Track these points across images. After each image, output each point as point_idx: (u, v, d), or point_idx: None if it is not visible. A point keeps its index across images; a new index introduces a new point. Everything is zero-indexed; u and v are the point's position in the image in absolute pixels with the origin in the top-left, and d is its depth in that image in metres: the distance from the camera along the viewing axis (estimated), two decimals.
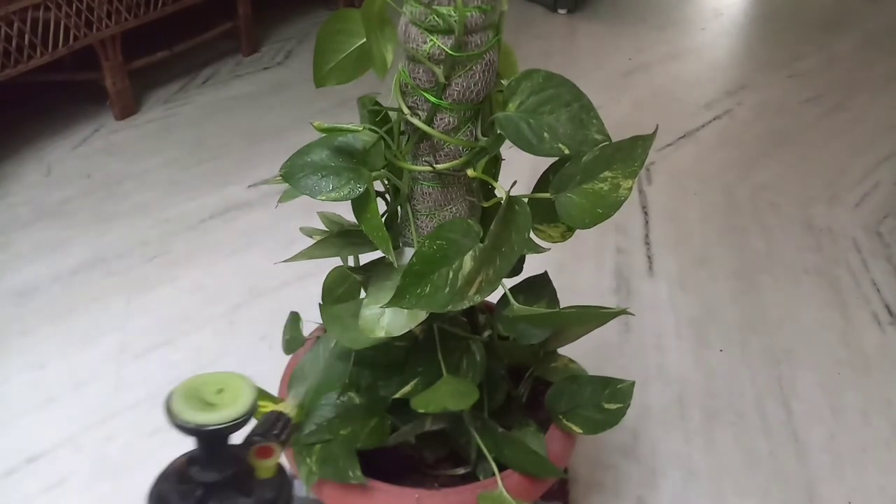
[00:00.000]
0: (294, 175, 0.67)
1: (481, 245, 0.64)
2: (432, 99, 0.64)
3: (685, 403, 1.21)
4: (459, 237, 0.64)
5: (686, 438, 1.15)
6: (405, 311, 0.68)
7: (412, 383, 0.74)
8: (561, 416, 0.82)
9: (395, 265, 0.69)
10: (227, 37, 2.19)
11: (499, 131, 0.67)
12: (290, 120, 1.92)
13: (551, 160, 0.70)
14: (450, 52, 0.61)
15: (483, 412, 0.81)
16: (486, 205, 0.73)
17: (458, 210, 0.72)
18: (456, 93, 0.64)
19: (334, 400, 0.79)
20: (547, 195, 0.67)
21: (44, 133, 1.87)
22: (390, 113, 0.71)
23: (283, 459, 0.40)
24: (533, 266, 0.84)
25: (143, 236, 1.53)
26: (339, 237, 0.78)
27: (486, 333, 0.83)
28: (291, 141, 0.77)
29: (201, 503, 0.36)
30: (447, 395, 0.71)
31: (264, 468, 0.38)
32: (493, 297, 0.76)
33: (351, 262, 0.82)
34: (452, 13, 0.60)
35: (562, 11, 2.57)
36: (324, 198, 0.66)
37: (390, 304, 0.62)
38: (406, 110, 0.66)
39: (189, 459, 0.38)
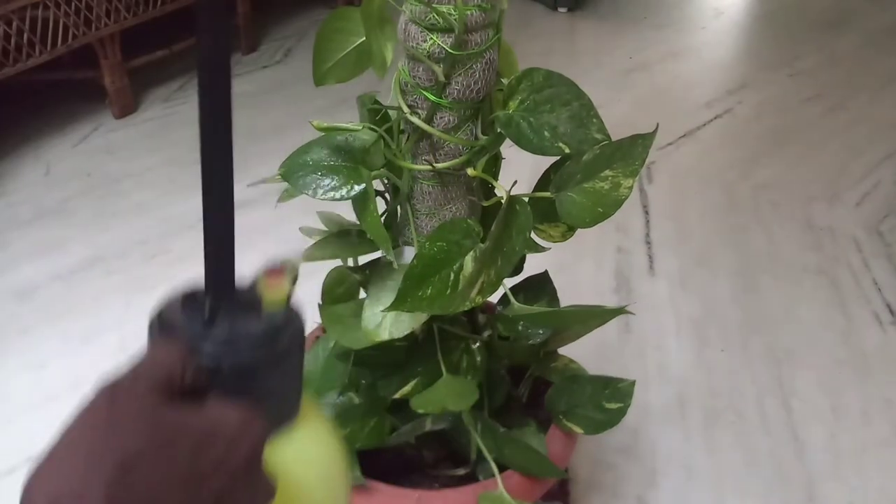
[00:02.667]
0: (293, 174, 0.66)
1: (482, 245, 0.63)
2: (432, 97, 0.64)
3: (685, 403, 1.20)
4: (460, 238, 0.64)
5: (686, 438, 1.15)
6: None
7: (412, 383, 0.74)
8: (561, 416, 0.81)
9: (395, 265, 0.68)
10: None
11: (499, 130, 0.67)
12: (290, 118, 1.92)
13: (552, 159, 0.69)
14: (450, 50, 0.61)
15: (483, 412, 0.81)
16: (486, 204, 0.72)
17: (458, 209, 0.72)
18: (456, 91, 0.64)
19: (334, 400, 0.78)
20: (547, 194, 0.67)
21: (43, 132, 1.86)
22: (390, 111, 0.71)
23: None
24: (533, 265, 0.83)
25: (142, 235, 1.53)
26: (338, 237, 0.78)
27: (487, 333, 0.83)
28: (291, 140, 0.77)
29: (207, 325, 0.34)
30: (447, 396, 0.71)
31: (273, 300, 0.35)
32: (494, 297, 0.76)
33: (350, 262, 0.81)
34: (452, 12, 0.59)
35: (562, 10, 2.57)
36: (323, 197, 0.65)
37: (391, 308, 0.62)
38: (406, 109, 0.66)
39: (190, 291, 0.36)
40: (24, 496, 0.29)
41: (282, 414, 0.37)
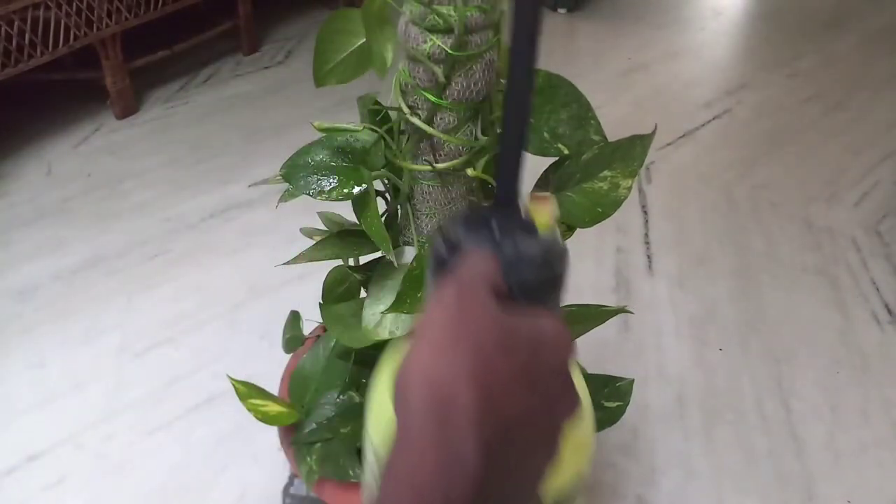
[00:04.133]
0: (294, 175, 0.67)
1: None
2: (432, 98, 0.64)
3: (685, 402, 1.21)
4: None
5: (685, 437, 1.16)
6: None
7: None
8: None
9: (395, 265, 0.69)
10: (227, 36, 2.19)
11: (499, 130, 0.67)
12: (291, 119, 1.93)
13: (551, 159, 0.70)
14: (450, 51, 0.61)
15: None
16: (486, 204, 0.73)
17: (458, 209, 0.72)
18: (456, 92, 0.64)
19: (335, 399, 0.79)
20: (546, 194, 0.67)
21: (44, 132, 1.87)
22: (390, 112, 0.71)
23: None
24: None
25: (143, 235, 1.54)
26: (339, 237, 0.78)
27: None
28: (291, 140, 0.77)
29: (497, 244, 0.37)
30: None
31: (543, 224, 0.39)
32: None
33: (351, 262, 0.82)
34: (452, 13, 0.60)
35: (561, 10, 2.58)
36: (324, 198, 0.66)
37: (391, 310, 0.62)
38: (406, 110, 0.67)
39: (469, 213, 0.39)
40: (401, 383, 0.31)
41: None
